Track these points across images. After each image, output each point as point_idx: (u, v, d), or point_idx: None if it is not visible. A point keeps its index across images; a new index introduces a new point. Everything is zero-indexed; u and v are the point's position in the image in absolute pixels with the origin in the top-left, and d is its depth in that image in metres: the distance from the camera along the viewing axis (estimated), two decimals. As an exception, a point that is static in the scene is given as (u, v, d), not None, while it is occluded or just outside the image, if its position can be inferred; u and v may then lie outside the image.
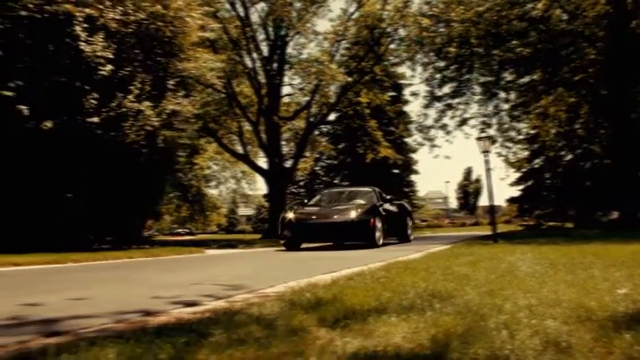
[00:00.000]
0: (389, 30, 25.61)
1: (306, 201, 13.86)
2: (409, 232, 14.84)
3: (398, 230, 14.03)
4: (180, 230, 56.90)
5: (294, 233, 11.66)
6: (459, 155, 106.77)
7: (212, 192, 36.95)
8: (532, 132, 29.96)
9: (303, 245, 12.34)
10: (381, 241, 11.74)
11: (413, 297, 3.01)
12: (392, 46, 26.40)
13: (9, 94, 10.08)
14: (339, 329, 2.21)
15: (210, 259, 8.68)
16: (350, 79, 24.53)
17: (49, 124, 10.16)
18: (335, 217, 11.57)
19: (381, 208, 12.31)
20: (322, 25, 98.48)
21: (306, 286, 3.59)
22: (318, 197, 14.20)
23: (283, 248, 11.90)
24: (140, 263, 8.00)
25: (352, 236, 11.40)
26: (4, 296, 3.60)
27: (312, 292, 3.23)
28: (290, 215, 11.88)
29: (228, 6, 24.48)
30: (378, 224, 11.65)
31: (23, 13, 11.03)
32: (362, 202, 12.73)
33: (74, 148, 10.80)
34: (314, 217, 11.77)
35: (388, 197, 13.63)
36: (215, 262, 7.71)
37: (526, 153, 33.34)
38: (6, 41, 10.50)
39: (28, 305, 3.03)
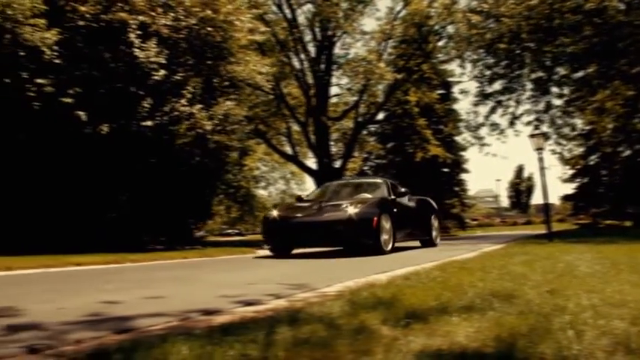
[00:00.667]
0: (437, 27, 25.36)
1: (304, 195, 11.77)
2: (434, 234, 12.10)
3: (419, 232, 11.52)
4: (229, 231, 57.73)
5: (276, 235, 9.25)
6: (510, 153, 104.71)
7: (261, 193, 37.39)
8: (587, 128, 29.09)
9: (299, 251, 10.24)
10: (389, 246, 9.21)
11: (472, 296, 2.99)
12: (440, 43, 26.15)
13: (68, 100, 10.46)
14: (401, 328, 2.22)
15: (263, 259, 8.79)
16: (399, 76, 24.36)
17: (105, 128, 10.51)
18: (327, 214, 9.03)
19: (392, 204, 9.93)
20: (369, 24, 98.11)
21: (363, 286, 3.61)
22: (318, 191, 11.94)
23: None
24: (195, 263, 8.17)
25: (349, 238, 8.80)
26: (78, 295, 3.74)
27: (369, 292, 3.25)
28: (274, 213, 9.53)
29: (275, 8, 24.73)
30: (386, 224, 9.13)
31: (81, 22, 11.44)
32: (368, 196, 10.27)
33: (129, 151, 11.12)
34: (301, 214, 9.29)
35: (403, 190, 10.95)
36: (268, 262, 7.80)
37: (581, 149, 32.40)
38: (65, 51, 10.90)
39: (104, 303, 3.15)
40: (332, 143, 28.26)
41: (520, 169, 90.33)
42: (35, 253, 8.51)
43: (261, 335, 1.95)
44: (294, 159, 27.78)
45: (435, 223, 12.24)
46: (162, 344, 1.79)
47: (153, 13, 11.94)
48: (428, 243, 11.93)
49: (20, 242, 9.46)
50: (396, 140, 34.72)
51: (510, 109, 24.39)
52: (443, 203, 34.97)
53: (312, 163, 27.83)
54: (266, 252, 9.95)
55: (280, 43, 24.52)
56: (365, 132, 31.19)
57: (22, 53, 10.49)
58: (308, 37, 25.88)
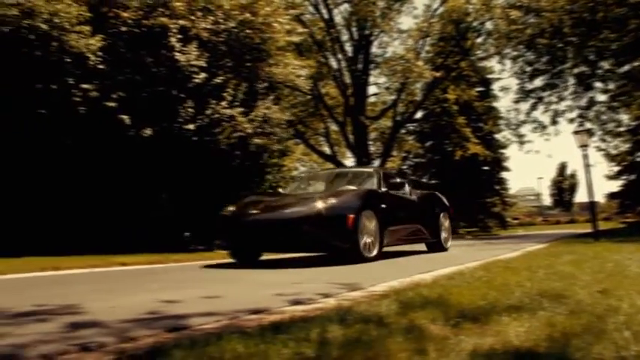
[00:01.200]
0: (475, 24, 25.06)
1: (280, 189, 10.31)
2: (443, 235, 9.93)
3: (422, 232, 9.31)
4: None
5: (229, 236, 7.17)
6: (552, 150, 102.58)
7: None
8: (633, 123, 28.29)
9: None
10: (374, 251, 7.10)
11: (520, 296, 2.95)
12: (479, 40, 25.83)
13: (112, 105, 10.72)
14: (451, 327, 2.21)
15: (305, 259, 8.82)
16: (437, 74, 24.17)
17: (148, 131, 10.73)
18: (290, 209, 6.95)
19: (381, 198, 7.73)
20: (406, 22, 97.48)
21: (408, 285, 3.60)
22: (296, 183, 9.92)
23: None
24: (238, 263, 8.25)
25: (315, 240, 6.60)
26: (129, 294, 3.84)
27: (415, 291, 3.24)
28: (230, 208, 7.51)
29: (311, 9, 24.81)
30: (369, 223, 7.04)
31: (123, 28, 11.70)
32: (351, 187, 8.09)
33: (171, 153, 11.31)
34: (259, 210, 7.10)
35: (398, 181, 8.79)
36: (311, 261, 7.82)
37: (627, 145, 31.51)
38: (109, 56, 11.16)
39: (159, 302, 3.23)
40: (370, 142, 28.20)
41: (563, 167, 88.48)
42: (81, 254, 8.75)
43: (313, 334, 1.97)
44: (333, 159, 27.82)
45: (444, 222, 10.06)
46: (217, 342, 1.83)
47: (193, 17, 12.12)
48: (435, 246, 9.77)
49: (67, 243, 9.73)
50: (434, 139, 34.43)
51: (552, 106, 23.95)
52: (483, 202, 34.58)
53: (350, 162, 27.83)
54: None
55: (317, 44, 24.59)
56: (403, 131, 31.03)
57: (68, 60, 10.78)
58: (345, 37, 25.91)
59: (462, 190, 32.26)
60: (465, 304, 2.73)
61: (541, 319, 2.31)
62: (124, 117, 10.60)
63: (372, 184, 8.43)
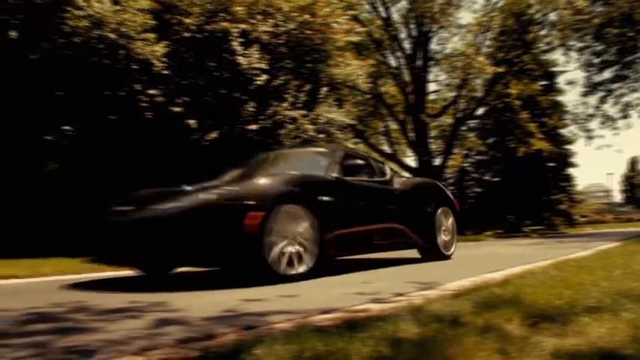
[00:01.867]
0: (537, 16, 24.37)
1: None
2: (443, 238, 7.44)
3: (406, 235, 6.81)
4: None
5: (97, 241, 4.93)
6: (622, 144, 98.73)
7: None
8: None
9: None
10: (303, 266, 4.81)
11: (598, 296, 2.86)
12: (542, 32, 25.11)
13: (178, 109, 11.02)
14: (528, 327, 2.17)
15: (369, 258, 8.80)
16: (499, 69, 23.64)
17: (213, 134, 10.98)
18: (162, 205, 4.69)
19: (327, 188, 5.48)
20: (466, 17, 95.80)
21: (480, 285, 3.55)
22: (241, 169, 6.76)
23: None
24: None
25: (187, 250, 4.35)
26: (214, 292, 3.94)
27: (487, 290, 3.19)
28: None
29: (369, 7, 24.75)
30: (291, 224, 4.78)
31: (186, 34, 12.02)
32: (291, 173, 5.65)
33: (235, 155, 11.51)
34: (128, 207, 4.98)
35: (361, 163, 6.48)
36: (375, 261, 7.81)
37: None
38: (173, 62, 11.48)
39: (239, 301, 3.31)
40: (431, 140, 27.88)
41: (634, 162, 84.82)
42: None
43: (389, 332, 1.97)
44: (394, 157, 27.66)
45: (444, 221, 7.54)
46: (297, 340, 1.86)
47: (253, 21, 12.32)
48: (431, 252, 7.27)
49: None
50: (497, 135, 33.67)
51: (623, 99, 23.01)
52: (549, 199, 33.56)
53: (411, 161, 27.61)
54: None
55: (376, 42, 24.50)
56: (465, 128, 30.50)
57: (134, 67, 11.15)
58: (403, 35, 25.72)
59: (526, 187, 31.43)
60: (540, 303, 2.67)
61: (623, 320, 2.23)
62: (190, 121, 10.88)
63: (322, 167, 5.93)
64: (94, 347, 2.01)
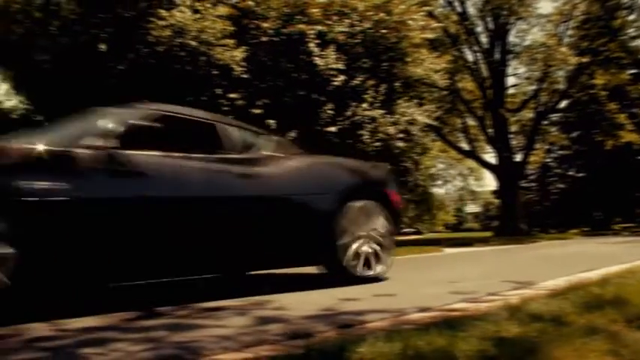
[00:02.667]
0: (625, 0, 23.18)
1: None
2: (356, 249, 4.57)
3: (266, 248, 4.18)
4: (407, 230, 57.79)
5: None
6: None
7: (438, 191, 36.94)
8: None
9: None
10: None
11: None
12: (631, 17, 23.86)
13: (258, 111, 11.26)
14: (637, 329, 2.08)
15: (452, 257, 8.68)
16: (583, 59, 22.63)
17: (292, 134, 11.15)
18: None
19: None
20: (545, 7, 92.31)
21: (576, 284, 3.42)
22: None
23: (520, 245, 11.33)
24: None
25: None
26: (310, 292, 4.02)
27: (585, 290, 3.07)
28: None
29: (443, 2, 24.34)
30: None
31: (264, 38, 12.25)
32: None
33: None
34: None
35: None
36: (459, 260, 7.70)
37: None
38: (251, 65, 11.74)
39: (338, 300, 3.37)
40: (511, 136, 27.05)
41: None
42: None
43: (489, 332, 1.94)
44: (472, 154, 27.06)
45: (364, 221, 4.71)
46: (398, 338, 1.86)
47: (329, 22, 12.40)
48: (335, 269, 4.55)
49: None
50: (581, 129, 32.28)
51: None
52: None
53: (491, 157, 26.91)
54: (454, 249, 9.47)
55: (452, 38, 24.05)
56: (546, 122, 29.38)
57: (215, 72, 11.47)
58: (479, 29, 25.12)
59: (615, 182, 29.95)
60: (647, 304, 2.55)
61: None
62: (270, 122, 11.10)
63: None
64: (205, 343, 2.10)
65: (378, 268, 4.61)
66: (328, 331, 2.27)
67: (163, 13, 11.26)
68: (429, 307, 2.87)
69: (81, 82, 12.32)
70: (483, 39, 25.09)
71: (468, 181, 36.54)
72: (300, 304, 3.17)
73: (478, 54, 24.73)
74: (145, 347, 2.08)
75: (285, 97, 11.76)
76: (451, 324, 2.12)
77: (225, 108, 11.15)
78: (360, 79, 12.39)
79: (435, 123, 16.43)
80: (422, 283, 4.44)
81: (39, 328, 2.63)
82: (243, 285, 4.67)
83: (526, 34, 25.53)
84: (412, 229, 60.33)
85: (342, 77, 11.78)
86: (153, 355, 1.96)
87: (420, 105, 13.82)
